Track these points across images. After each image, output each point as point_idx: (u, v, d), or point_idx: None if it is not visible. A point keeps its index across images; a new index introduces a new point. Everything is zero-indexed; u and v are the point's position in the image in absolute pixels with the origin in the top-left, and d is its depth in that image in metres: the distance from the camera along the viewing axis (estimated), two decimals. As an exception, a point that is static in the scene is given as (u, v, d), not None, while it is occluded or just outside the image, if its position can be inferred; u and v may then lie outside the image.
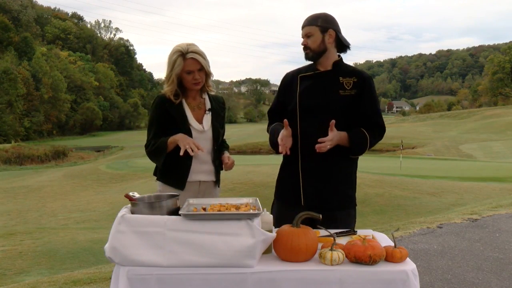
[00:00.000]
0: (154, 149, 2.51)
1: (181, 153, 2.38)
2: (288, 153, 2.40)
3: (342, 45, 2.52)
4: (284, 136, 2.38)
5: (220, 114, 2.72)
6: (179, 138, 2.44)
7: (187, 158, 2.48)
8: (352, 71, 2.50)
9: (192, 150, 2.37)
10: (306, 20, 2.50)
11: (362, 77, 2.47)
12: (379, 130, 2.50)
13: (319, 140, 2.30)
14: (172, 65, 2.46)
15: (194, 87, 2.55)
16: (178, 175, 2.55)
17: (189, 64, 2.46)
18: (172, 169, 2.54)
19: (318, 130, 2.37)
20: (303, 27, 2.50)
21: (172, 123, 2.52)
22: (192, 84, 2.52)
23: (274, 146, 2.53)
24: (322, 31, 2.44)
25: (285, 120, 2.36)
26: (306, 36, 2.47)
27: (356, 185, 2.60)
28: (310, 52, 2.46)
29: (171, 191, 2.49)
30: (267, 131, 2.66)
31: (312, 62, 2.53)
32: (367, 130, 2.45)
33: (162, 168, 2.56)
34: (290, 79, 2.59)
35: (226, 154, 2.67)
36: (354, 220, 2.57)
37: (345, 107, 2.43)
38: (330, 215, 2.33)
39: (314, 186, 2.45)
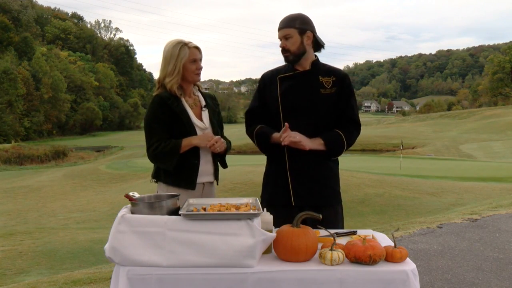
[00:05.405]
0: (166, 152, 2.41)
1: (209, 146, 2.43)
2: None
3: (318, 45, 2.54)
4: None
5: (216, 110, 2.72)
6: (197, 140, 2.44)
7: (194, 158, 2.48)
8: (329, 70, 2.53)
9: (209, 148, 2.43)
10: (282, 21, 2.47)
11: (340, 75, 2.50)
12: (354, 125, 2.51)
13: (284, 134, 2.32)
14: (177, 55, 2.47)
15: (196, 77, 2.56)
16: (188, 176, 2.49)
17: (194, 53, 2.51)
18: (181, 170, 2.48)
19: (302, 130, 2.38)
20: (280, 29, 2.46)
21: (176, 120, 2.48)
22: (195, 75, 2.54)
23: (265, 149, 2.54)
24: (300, 33, 2.44)
25: (286, 124, 2.36)
26: (284, 38, 2.45)
27: (339, 181, 2.62)
28: (290, 55, 2.46)
29: (179, 192, 2.37)
30: (247, 132, 2.63)
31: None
32: (341, 129, 2.47)
33: (170, 170, 2.47)
34: (269, 80, 2.59)
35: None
36: (342, 218, 2.57)
37: (327, 106, 2.45)
38: (318, 212, 2.33)
39: (304, 185, 2.46)
